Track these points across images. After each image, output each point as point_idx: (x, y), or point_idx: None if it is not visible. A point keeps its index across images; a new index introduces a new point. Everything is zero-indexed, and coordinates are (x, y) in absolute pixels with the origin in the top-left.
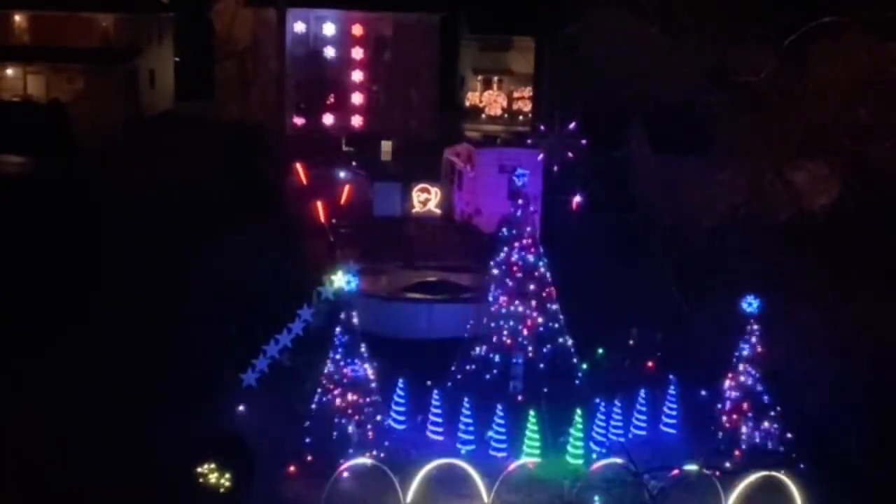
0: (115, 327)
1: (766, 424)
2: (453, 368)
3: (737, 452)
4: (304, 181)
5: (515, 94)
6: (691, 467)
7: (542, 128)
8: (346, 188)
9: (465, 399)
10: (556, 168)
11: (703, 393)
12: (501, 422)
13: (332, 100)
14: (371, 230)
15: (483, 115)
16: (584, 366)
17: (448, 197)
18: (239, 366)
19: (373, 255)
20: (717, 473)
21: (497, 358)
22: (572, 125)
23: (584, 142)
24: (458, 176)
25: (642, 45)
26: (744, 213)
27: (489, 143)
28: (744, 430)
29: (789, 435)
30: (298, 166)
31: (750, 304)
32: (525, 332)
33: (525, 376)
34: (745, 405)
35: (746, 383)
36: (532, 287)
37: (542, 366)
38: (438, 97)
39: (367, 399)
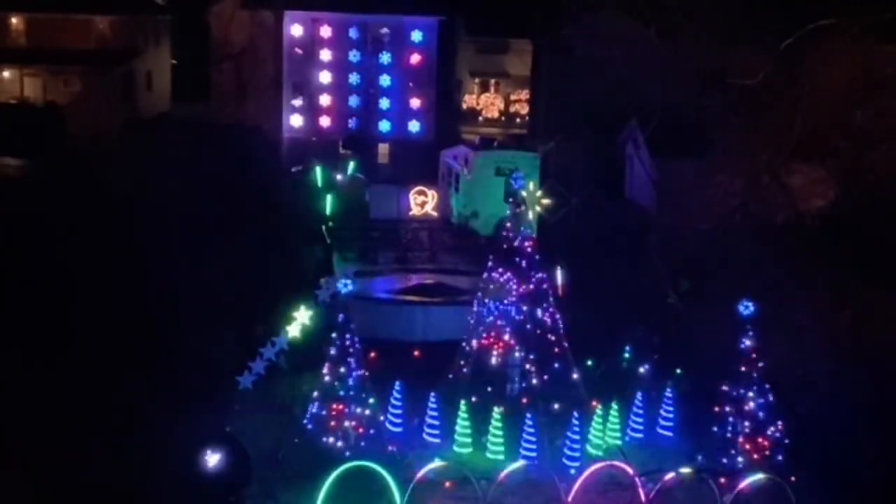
0: (112, 329)
1: (762, 427)
2: (450, 371)
3: (733, 455)
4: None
5: (512, 97)
6: (688, 470)
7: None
8: None
9: (462, 402)
10: None
11: (700, 395)
12: (498, 424)
13: (329, 102)
14: (368, 233)
15: (480, 118)
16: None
17: (445, 199)
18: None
19: (369, 258)
20: (714, 476)
21: (494, 360)
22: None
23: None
24: (455, 178)
25: (639, 48)
26: (740, 216)
27: (486, 145)
28: (740, 433)
29: (786, 438)
30: None
31: (746, 307)
32: (522, 334)
33: (522, 379)
34: (741, 408)
35: (743, 386)
36: (529, 290)
37: (539, 368)
38: (435, 100)
39: (364, 402)
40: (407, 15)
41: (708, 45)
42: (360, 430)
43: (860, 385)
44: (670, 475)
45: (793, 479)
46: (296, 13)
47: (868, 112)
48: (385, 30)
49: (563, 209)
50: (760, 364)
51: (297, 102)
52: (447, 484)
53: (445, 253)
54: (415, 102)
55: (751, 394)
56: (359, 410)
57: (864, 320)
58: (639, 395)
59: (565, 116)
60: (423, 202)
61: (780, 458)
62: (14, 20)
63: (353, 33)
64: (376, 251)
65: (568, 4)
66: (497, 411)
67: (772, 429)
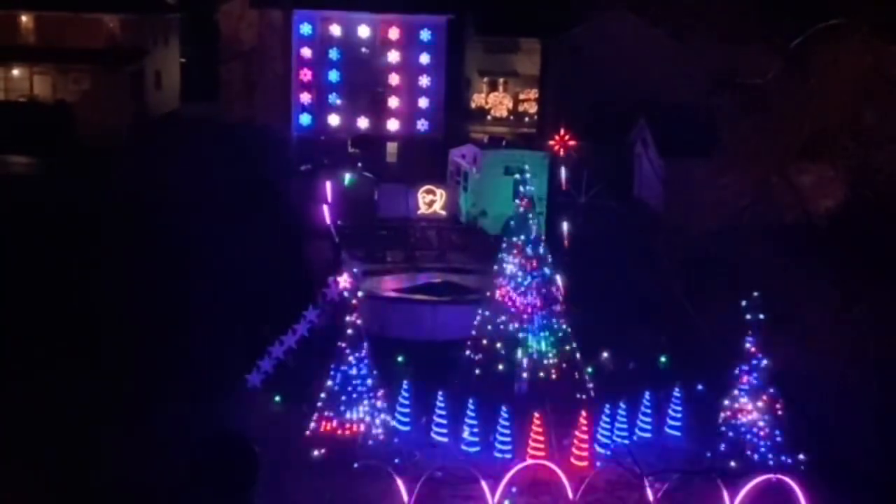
0: (119, 327)
1: (770, 427)
2: (458, 370)
3: (741, 455)
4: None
5: (521, 96)
6: (695, 470)
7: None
8: None
9: (470, 400)
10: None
11: (708, 395)
12: (506, 423)
13: (338, 101)
14: (376, 231)
15: (489, 117)
16: (589, 370)
17: (454, 198)
18: (244, 367)
19: (378, 257)
20: (722, 476)
21: (501, 360)
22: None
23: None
24: (463, 177)
25: (648, 48)
26: (749, 216)
27: (495, 144)
28: (748, 432)
29: (794, 438)
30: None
31: (754, 306)
32: (529, 333)
33: (530, 378)
34: (749, 408)
35: (751, 386)
36: (537, 289)
37: (546, 367)
38: (444, 99)
39: (372, 400)
40: (416, 14)
41: (717, 45)
42: (368, 429)
43: (869, 385)
44: (678, 475)
45: (801, 479)
46: (305, 12)
47: (877, 112)
48: (394, 28)
49: (571, 208)
50: (768, 364)
51: (306, 101)
52: (455, 483)
53: (453, 252)
54: (423, 101)
55: (759, 394)
56: (367, 408)
57: (873, 320)
58: (647, 395)
59: (574, 115)
60: (431, 201)
61: (788, 458)
62: (24, 18)
63: (362, 32)
64: (384, 250)
65: (577, 4)
66: (505, 410)
67: (780, 429)
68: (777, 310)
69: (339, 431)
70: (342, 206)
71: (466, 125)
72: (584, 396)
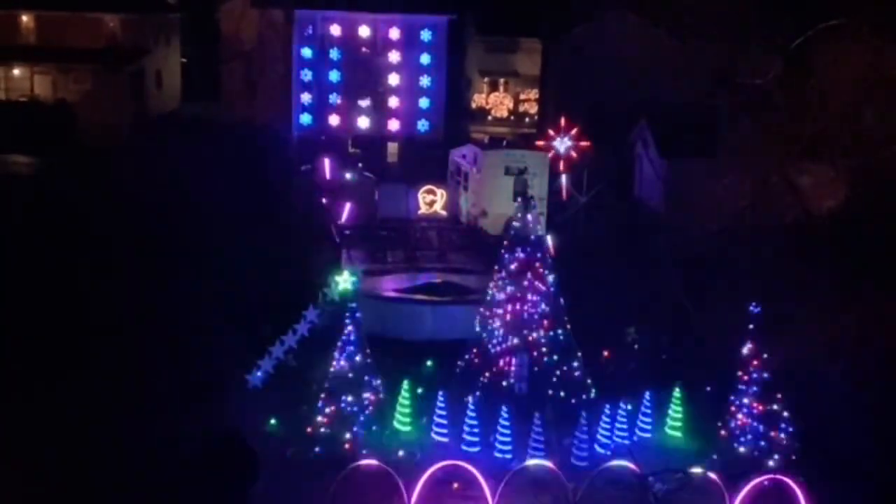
0: (119, 327)
1: (770, 427)
2: (458, 370)
3: (741, 455)
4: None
5: (522, 96)
6: (696, 470)
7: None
8: None
9: (470, 401)
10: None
11: (708, 395)
12: (506, 423)
13: (338, 101)
14: (376, 231)
15: (489, 117)
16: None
17: (454, 198)
18: (245, 367)
19: (378, 257)
20: (722, 476)
21: (501, 360)
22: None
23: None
24: (464, 177)
25: (649, 48)
26: (749, 216)
27: (495, 144)
28: (748, 432)
29: (794, 438)
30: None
31: (755, 306)
32: (530, 333)
33: (530, 378)
34: (749, 408)
35: (751, 386)
36: (536, 288)
37: (547, 367)
38: (445, 99)
39: (373, 400)
40: (416, 14)
41: (717, 45)
42: (369, 429)
43: (869, 385)
44: (678, 475)
45: (801, 479)
46: (305, 12)
47: (877, 112)
48: (395, 28)
49: (572, 208)
50: (769, 364)
51: (307, 101)
52: (455, 484)
53: (454, 252)
54: (424, 101)
55: (759, 394)
56: (368, 402)
57: (872, 321)
58: (647, 394)
59: (574, 115)
60: (431, 201)
61: (787, 458)
62: (25, 18)
63: (362, 32)
64: (385, 250)
65: (577, 4)
66: (505, 410)
67: (780, 429)
68: (777, 310)
69: (338, 430)
70: (342, 200)
71: (467, 125)
72: (584, 396)
